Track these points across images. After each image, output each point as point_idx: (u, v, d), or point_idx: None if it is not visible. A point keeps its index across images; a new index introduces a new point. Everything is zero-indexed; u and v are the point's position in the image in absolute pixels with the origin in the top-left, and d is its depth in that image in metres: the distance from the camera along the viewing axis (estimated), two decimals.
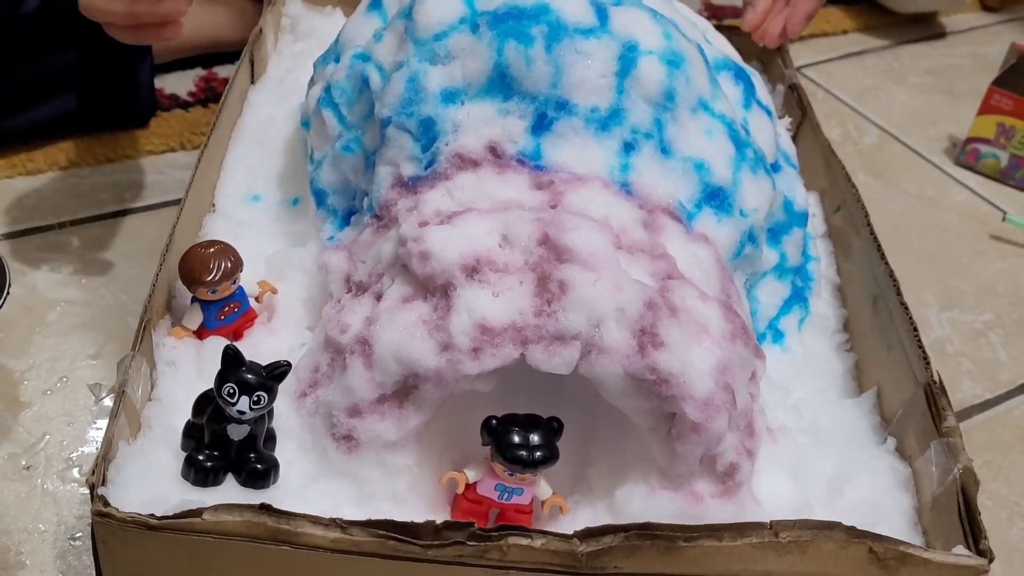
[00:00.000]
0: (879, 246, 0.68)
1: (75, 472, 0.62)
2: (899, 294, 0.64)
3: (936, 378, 0.59)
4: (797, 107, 0.88)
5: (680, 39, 0.62)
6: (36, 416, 0.65)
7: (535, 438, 0.52)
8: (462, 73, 0.58)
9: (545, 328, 0.50)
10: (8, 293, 0.61)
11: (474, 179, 0.57)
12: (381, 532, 0.46)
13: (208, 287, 0.58)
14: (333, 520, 0.46)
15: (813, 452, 0.59)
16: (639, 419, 0.54)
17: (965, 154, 1.06)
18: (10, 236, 0.79)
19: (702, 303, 0.54)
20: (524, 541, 0.46)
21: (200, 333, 0.59)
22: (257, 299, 0.62)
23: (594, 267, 0.51)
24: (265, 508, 0.46)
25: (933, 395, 0.58)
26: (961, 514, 0.53)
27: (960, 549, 0.51)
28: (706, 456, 0.52)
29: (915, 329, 0.62)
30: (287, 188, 0.72)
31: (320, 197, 0.65)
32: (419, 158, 0.58)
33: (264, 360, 0.57)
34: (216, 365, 0.57)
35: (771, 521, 0.48)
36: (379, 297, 0.55)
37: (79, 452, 0.64)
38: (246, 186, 0.72)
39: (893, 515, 0.57)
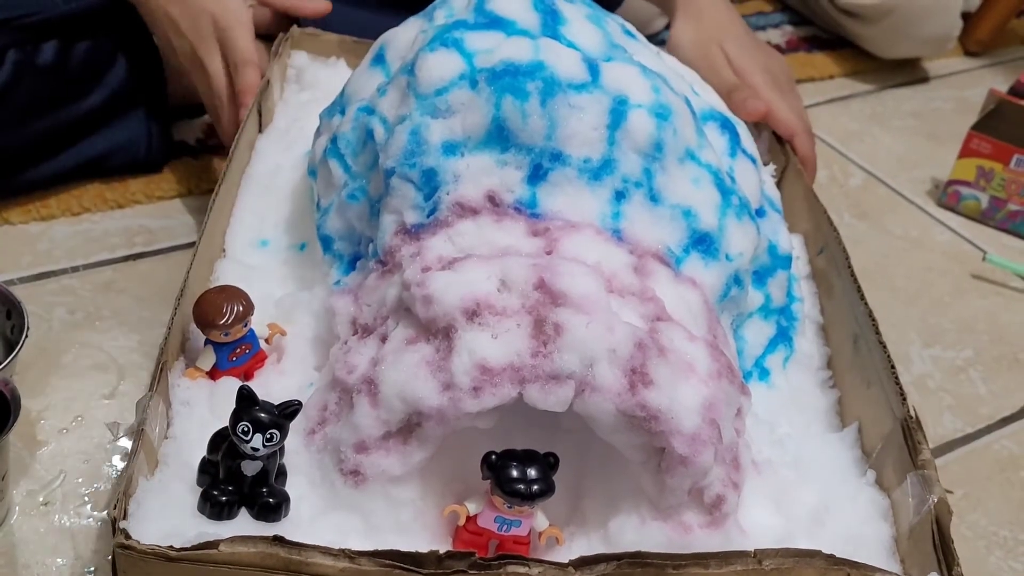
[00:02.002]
0: (859, 287, 0.72)
1: (90, 508, 0.65)
2: (877, 333, 0.67)
3: (912, 413, 0.62)
4: (781, 154, 0.91)
5: (668, 92, 0.65)
6: (53, 454, 0.68)
7: (532, 472, 0.55)
8: (462, 126, 0.62)
9: (541, 368, 0.53)
10: (27, 336, 0.64)
11: (474, 226, 0.60)
12: (387, 562, 0.49)
13: (221, 330, 0.61)
14: (342, 551, 0.49)
15: (796, 484, 0.62)
16: (630, 454, 0.57)
17: (947, 196, 1.10)
18: (25, 280, 0.82)
19: (689, 343, 0.57)
20: (522, 570, 0.49)
21: (213, 374, 0.62)
22: (267, 340, 0.65)
23: (587, 310, 0.54)
24: (278, 540, 0.48)
25: (909, 430, 0.61)
26: (935, 543, 0.55)
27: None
28: (694, 488, 0.55)
29: (892, 366, 0.65)
30: (294, 233, 0.75)
31: (327, 243, 0.68)
32: (421, 207, 0.62)
33: (275, 399, 0.60)
34: (229, 404, 0.60)
35: (755, 550, 0.51)
36: (384, 339, 0.58)
37: (94, 489, 0.66)
38: (255, 231, 0.75)
39: (872, 544, 0.60)
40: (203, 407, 0.60)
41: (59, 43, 0.84)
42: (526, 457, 0.55)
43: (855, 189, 1.13)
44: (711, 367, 0.57)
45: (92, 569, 0.61)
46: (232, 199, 0.77)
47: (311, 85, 0.92)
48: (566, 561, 0.50)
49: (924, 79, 1.41)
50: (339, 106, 0.73)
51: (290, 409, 0.53)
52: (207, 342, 0.62)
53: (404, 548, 0.55)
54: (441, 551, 0.49)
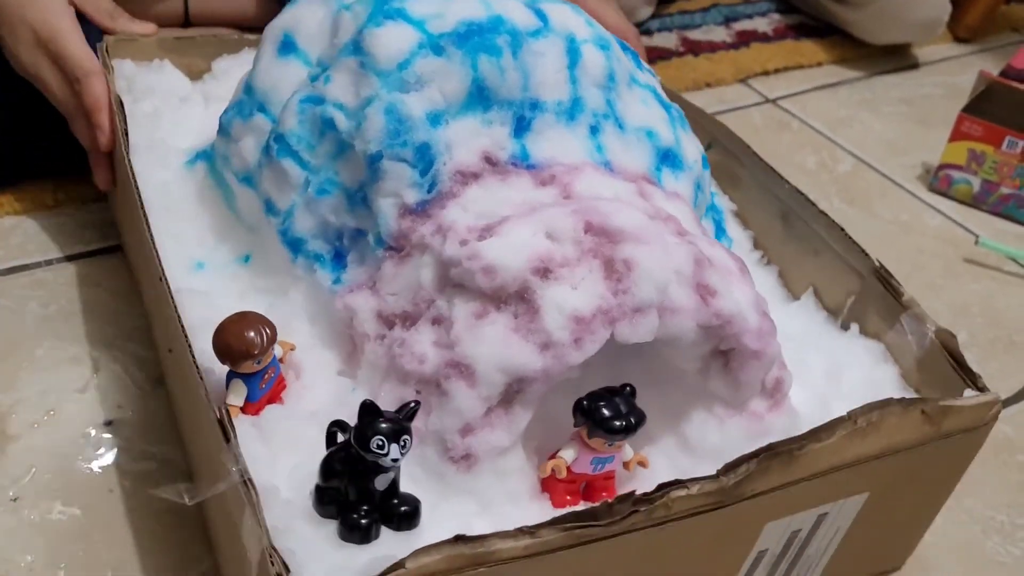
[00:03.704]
0: (773, 170, 0.78)
1: (61, 504, 0.64)
2: (814, 205, 0.74)
3: (878, 263, 0.69)
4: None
5: (595, 23, 0.67)
6: (24, 449, 0.67)
7: (623, 406, 0.57)
8: (441, 94, 0.61)
9: (626, 304, 0.55)
10: None
11: (481, 190, 0.60)
12: (568, 525, 0.49)
13: (255, 359, 0.57)
14: (520, 530, 0.49)
15: (800, 352, 0.68)
16: (689, 364, 0.60)
17: (938, 180, 1.09)
18: None
19: (716, 249, 0.61)
20: (683, 492, 0.51)
21: (245, 408, 0.58)
22: (281, 360, 0.61)
23: (645, 240, 0.56)
24: (460, 539, 0.48)
25: (884, 277, 0.68)
26: (953, 366, 0.64)
27: (970, 392, 0.61)
28: (766, 378, 0.59)
29: (842, 229, 0.72)
30: (228, 248, 0.70)
31: (296, 246, 0.65)
32: (419, 183, 0.60)
33: (319, 415, 0.58)
34: (282, 435, 0.58)
35: (848, 412, 0.56)
36: (437, 322, 0.57)
37: (65, 484, 0.65)
38: (183, 256, 0.70)
39: (886, 385, 0.67)
40: (256, 445, 0.56)
41: None
42: (611, 393, 0.57)
43: (844, 175, 1.12)
44: (738, 265, 0.61)
45: (63, 565, 0.60)
46: (143, 230, 0.70)
47: (147, 93, 0.84)
48: (656, 482, 0.52)
49: (913, 65, 1.40)
50: (250, 105, 0.68)
51: (412, 410, 0.51)
52: (232, 375, 0.58)
53: (517, 515, 0.56)
54: (609, 500, 0.50)
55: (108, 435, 0.69)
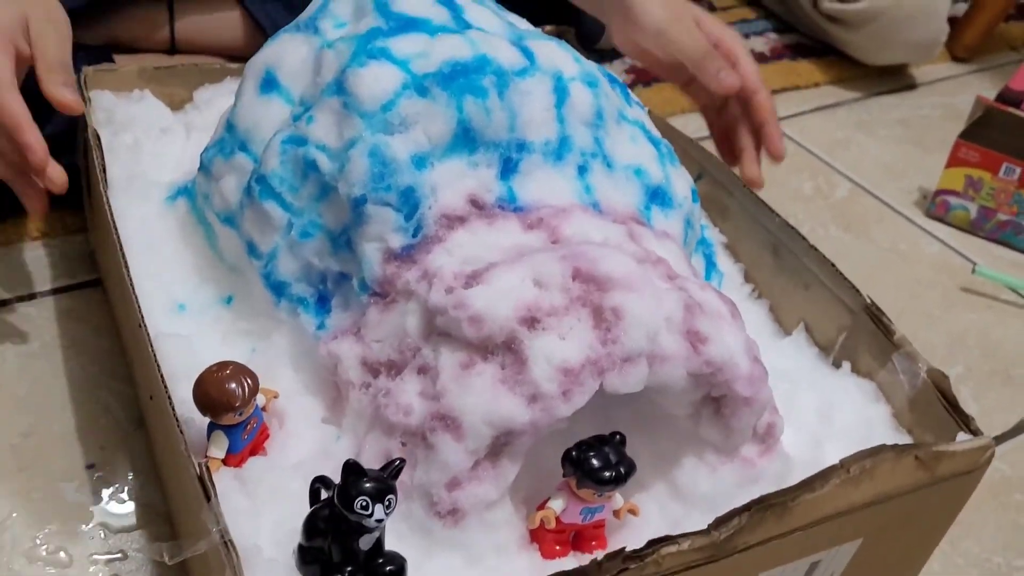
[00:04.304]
0: (763, 201, 0.77)
1: (42, 551, 0.63)
2: (804, 239, 0.73)
3: (869, 300, 0.68)
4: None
5: (584, 59, 0.66)
6: (5, 493, 0.65)
7: (612, 456, 0.56)
8: (426, 136, 0.60)
9: (615, 354, 0.54)
10: None
11: (468, 235, 0.59)
12: None
13: (237, 411, 0.55)
14: None
15: (791, 391, 0.67)
16: (679, 410, 0.59)
17: (935, 206, 1.08)
18: None
19: (707, 292, 0.60)
20: (674, 548, 0.50)
21: (227, 460, 0.57)
22: (264, 408, 0.60)
23: (635, 287, 0.55)
24: None
25: (875, 314, 0.68)
26: (946, 407, 0.63)
27: (963, 436, 0.61)
28: (757, 424, 0.58)
29: (833, 265, 0.71)
30: (211, 289, 0.69)
31: (279, 289, 0.64)
32: (404, 227, 0.59)
33: (303, 466, 0.57)
34: (265, 488, 0.56)
35: (840, 460, 0.55)
36: (422, 371, 0.56)
37: (46, 530, 0.64)
38: (165, 297, 0.68)
39: (878, 425, 0.66)
40: (239, 498, 0.55)
41: None
42: (600, 442, 0.56)
43: (841, 200, 1.11)
44: (728, 308, 0.60)
45: None
46: (121, 271, 0.69)
47: (127, 125, 0.83)
48: (648, 535, 0.51)
49: (911, 86, 1.39)
50: (231, 143, 0.67)
51: (396, 468, 0.50)
52: (213, 427, 0.57)
53: (504, 568, 0.55)
54: (598, 555, 0.49)
55: (90, 477, 0.68)
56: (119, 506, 0.67)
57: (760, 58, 1.36)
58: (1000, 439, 0.78)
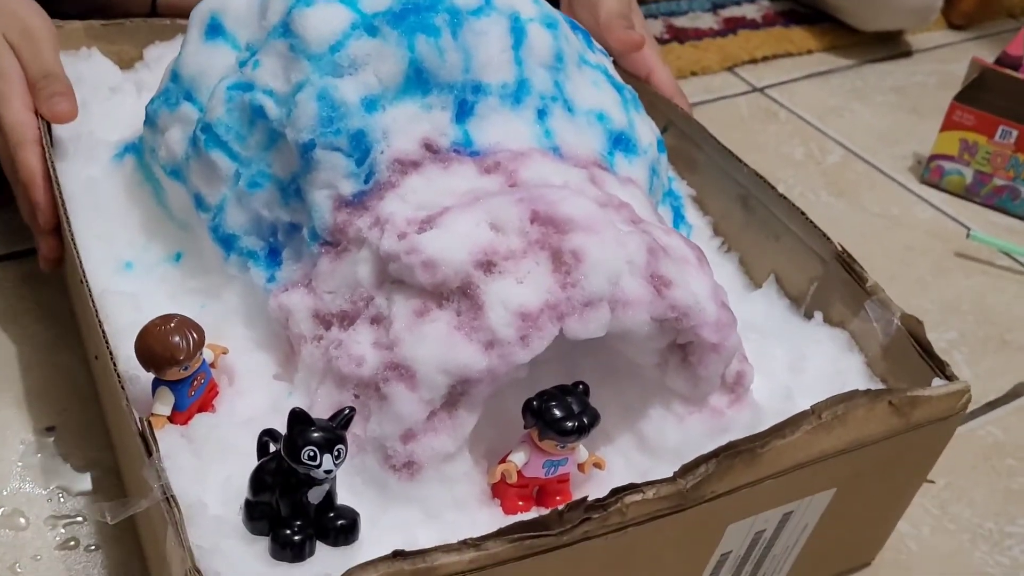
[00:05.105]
0: (732, 152, 0.75)
1: None
2: (774, 188, 0.71)
3: (840, 247, 0.66)
4: None
5: (543, 1, 0.64)
6: None
7: (575, 406, 0.54)
8: (376, 78, 0.57)
9: (575, 298, 0.51)
10: None
11: (422, 180, 0.56)
12: (516, 536, 0.46)
13: (182, 365, 0.53)
14: (464, 542, 0.45)
15: (762, 343, 0.65)
16: (645, 359, 0.57)
17: (929, 172, 1.05)
18: None
19: (671, 237, 0.57)
20: (638, 497, 0.48)
21: (173, 417, 0.55)
22: (212, 365, 0.58)
23: (595, 229, 0.53)
24: (400, 554, 0.44)
25: (847, 262, 0.66)
26: (920, 353, 0.61)
27: (938, 381, 0.59)
28: (725, 372, 0.56)
29: (803, 213, 0.69)
30: (158, 246, 0.66)
31: (229, 243, 0.61)
32: (356, 173, 0.57)
33: (253, 422, 0.55)
34: (213, 445, 0.54)
35: (811, 406, 0.53)
36: (375, 321, 0.54)
37: (3, 493, 0.62)
38: (111, 255, 0.66)
39: (851, 375, 0.64)
40: (185, 455, 0.53)
41: None
42: (562, 393, 0.54)
43: (833, 166, 1.08)
44: (695, 253, 0.58)
45: None
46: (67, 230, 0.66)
47: (75, 84, 0.79)
48: (616, 484, 0.49)
49: (906, 53, 1.35)
50: (177, 93, 0.64)
51: (346, 418, 0.47)
52: (158, 383, 0.54)
53: (464, 523, 0.53)
54: (561, 506, 0.47)
55: (49, 440, 0.66)
56: (78, 469, 0.64)
57: (752, 25, 1.34)
58: (996, 403, 0.76)
